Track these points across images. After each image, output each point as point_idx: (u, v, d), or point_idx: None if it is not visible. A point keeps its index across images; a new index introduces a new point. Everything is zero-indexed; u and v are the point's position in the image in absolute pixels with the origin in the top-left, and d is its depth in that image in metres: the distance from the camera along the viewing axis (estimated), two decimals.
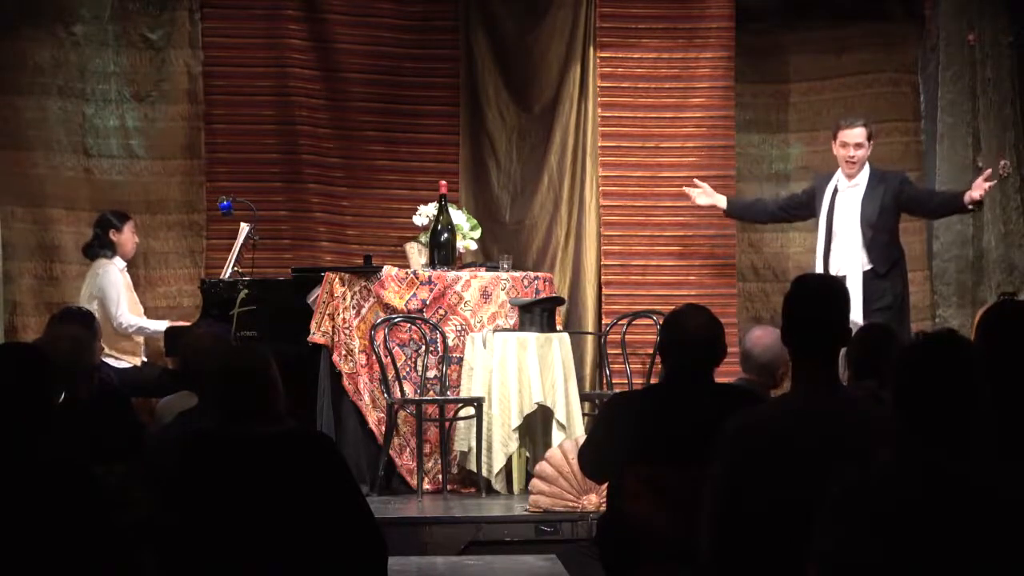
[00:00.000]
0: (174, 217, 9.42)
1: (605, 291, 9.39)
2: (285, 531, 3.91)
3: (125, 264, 8.76)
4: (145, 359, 8.66)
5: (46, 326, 6.85)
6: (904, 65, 9.70)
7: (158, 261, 9.35)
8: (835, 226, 8.22)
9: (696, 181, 8.84)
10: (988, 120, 9.41)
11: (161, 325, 8.62)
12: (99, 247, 8.70)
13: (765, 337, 5.65)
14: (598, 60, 9.47)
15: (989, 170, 8.39)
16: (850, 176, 8.25)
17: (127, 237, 8.75)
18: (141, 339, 8.69)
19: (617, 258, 9.39)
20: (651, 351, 8.63)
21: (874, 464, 3.11)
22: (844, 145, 8.24)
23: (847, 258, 8.16)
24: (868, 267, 8.14)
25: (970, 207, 8.28)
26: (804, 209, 8.58)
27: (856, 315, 7.71)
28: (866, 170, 8.28)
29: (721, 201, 8.80)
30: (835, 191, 8.28)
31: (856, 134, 8.23)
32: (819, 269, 8.18)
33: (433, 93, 9.55)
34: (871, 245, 8.15)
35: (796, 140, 9.80)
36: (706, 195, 8.80)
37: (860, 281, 8.06)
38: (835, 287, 3.89)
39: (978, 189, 8.17)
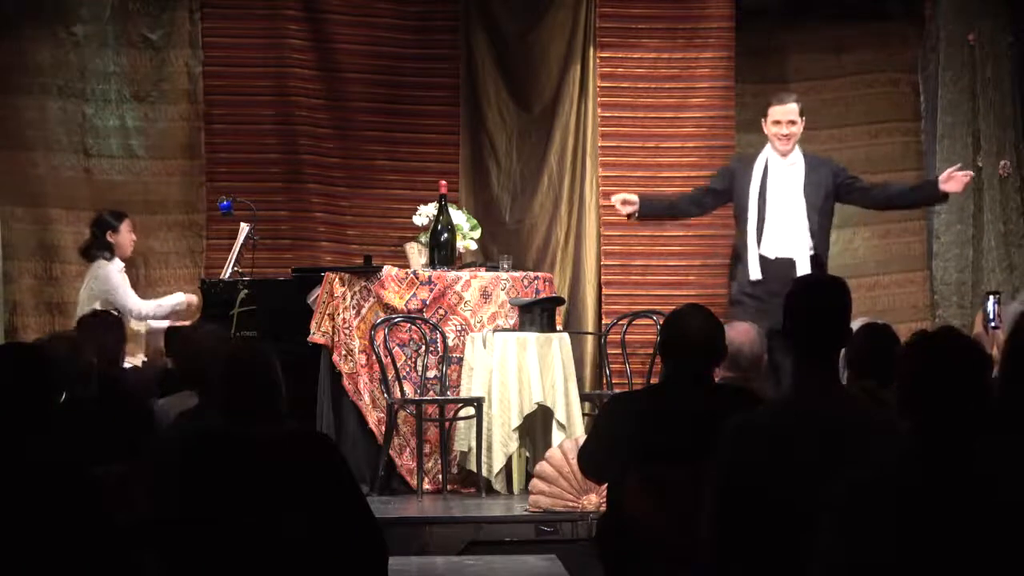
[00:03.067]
0: (174, 217, 9.42)
1: (605, 291, 9.39)
2: (286, 531, 3.90)
3: (123, 265, 8.76)
4: (145, 359, 8.65)
5: (77, 327, 6.85)
6: (904, 65, 9.71)
7: (158, 261, 9.35)
8: (769, 206, 7.93)
9: (612, 198, 8.46)
10: (988, 120, 9.41)
11: (176, 297, 8.65)
12: (97, 248, 8.70)
13: (745, 333, 5.66)
14: (598, 60, 9.48)
15: (959, 165, 8.19)
16: (784, 153, 7.98)
17: (124, 237, 8.75)
18: (142, 330, 8.68)
19: (617, 258, 9.39)
20: (651, 351, 8.63)
21: (875, 463, 3.11)
22: (777, 122, 7.99)
23: (791, 242, 7.89)
24: (811, 253, 7.88)
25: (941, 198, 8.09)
26: (719, 197, 8.24)
27: None
28: (798, 151, 8.04)
29: (635, 206, 8.31)
30: (765, 169, 8.00)
31: (790, 110, 8.02)
32: (752, 251, 7.90)
33: (433, 93, 9.55)
34: (816, 230, 7.91)
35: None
36: (627, 204, 8.31)
37: (809, 268, 7.82)
38: (836, 287, 3.89)
39: (958, 184, 7.94)
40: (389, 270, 8.19)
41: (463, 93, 9.60)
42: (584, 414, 8.27)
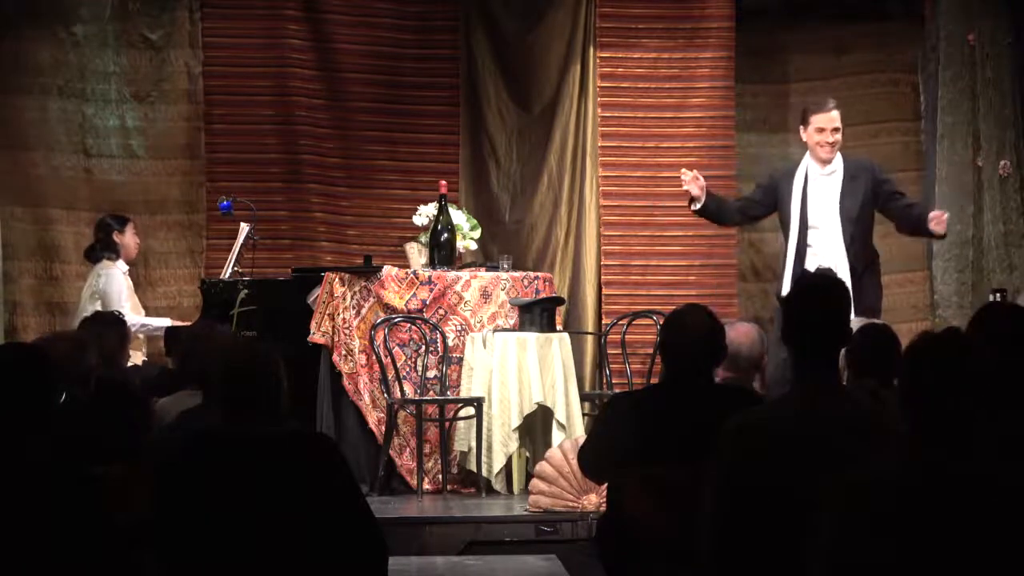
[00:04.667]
0: (174, 217, 9.42)
1: (605, 291, 9.39)
2: (286, 531, 3.90)
3: (128, 267, 8.76)
4: (145, 359, 8.65)
5: (80, 327, 6.85)
6: (904, 65, 9.71)
7: (158, 261, 9.35)
8: (810, 219, 7.69)
9: (696, 174, 8.04)
10: (988, 120, 9.41)
11: (163, 321, 8.64)
12: (102, 250, 8.69)
13: (746, 333, 5.66)
14: (598, 60, 9.48)
15: (936, 213, 7.85)
16: (825, 162, 7.72)
17: (129, 239, 8.75)
18: (142, 338, 8.69)
19: (617, 258, 9.39)
20: (651, 351, 8.63)
21: (874, 463, 3.11)
22: (821, 130, 7.69)
23: (829, 255, 7.65)
24: (849, 266, 7.64)
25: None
26: (761, 208, 8.02)
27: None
28: (839, 158, 7.78)
29: (703, 195, 8.02)
30: (806, 180, 7.75)
31: (834, 117, 7.75)
32: (791, 267, 7.69)
33: (433, 93, 9.55)
34: (851, 242, 7.66)
35: (796, 140, 9.76)
36: (697, 186, 7.99)
37: (848, 281, 7.46)
38: (836, 287, 3.89)
39: (940, 225, 7.72)
40: (389, 270, 8.18)
41: (463, 93, 9.61)
42: (584, 414, 8.27)
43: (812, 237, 7.69)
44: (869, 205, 7.76)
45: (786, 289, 7.70)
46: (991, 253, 9.38)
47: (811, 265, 7.62)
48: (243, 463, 3.96)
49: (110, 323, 6.75)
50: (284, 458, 3.97)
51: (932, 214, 7.77)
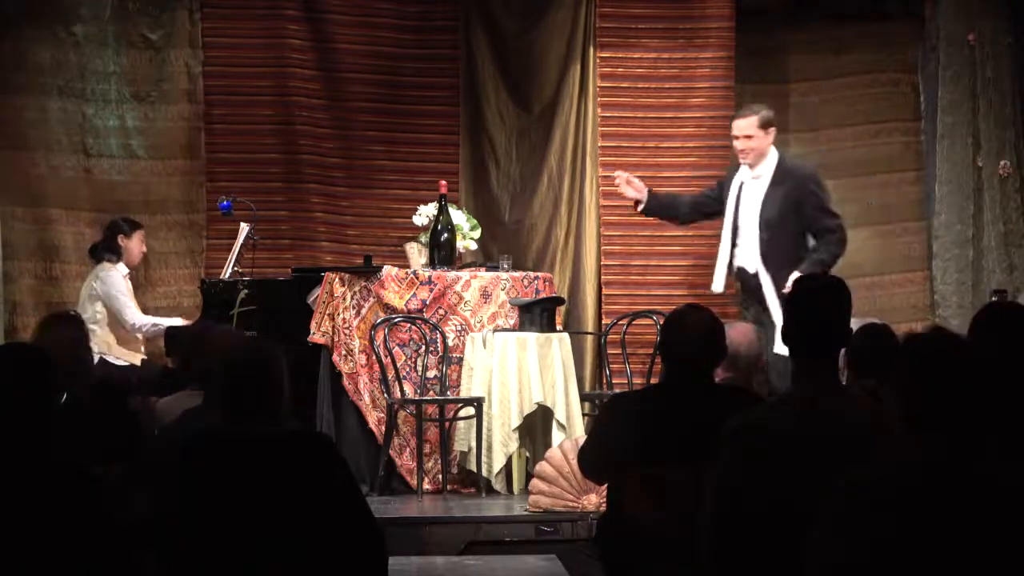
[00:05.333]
0: (174, 217, 9.42)
1: (605, 291, 9.39)
2: (286, 531, 3.90)
3: (128, 271, 8.75)
4: (145, 358, 8.65)
5: (35, 330, 6.80)
6: (904, 65, 9.70)
7: (158, 261, 9.34)
8: (739, 220, 7.88)
9: (629, 176, 8.29)
10: (988, 120, 9.41)
11: (176, 321, 8.64)
12: (105, 250, 8.69)
13: (745, 334, 5.67)
14: (598, 60, 9.47)
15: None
16: (749, 166, 7.88)
17: (135, 245, 8.74)
18: (141, 337, 8.69)
19: (617, 258, 9.39)
20: (651, 351, 8.62)
21: (874, 463, 3.11)
22: (735, 137, 7.92)
23: (749, 259, 7.83)
24: (762, 269, 7.74)
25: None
26: (714, 204, 8.14)
27: (775, 315, 7.56)
28: (772, 162, 7.87)
29: (643, 195, 8.25)
30: (741, 184, 7.95)
31: (742, 125, 7.91)
32: (721, 268, 7.88)
33: (433, 93, 9.55)
34: (766, 248, 7.75)
35: (796, 140, 9.79)
36: (631, 187, 8.24)
37: (771, 286, 7.70)
38: (836, 287, 3.89)
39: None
40: (389, 270, 8.18)
41: (463, 93, 9.60)
42: (584, 414, 8.27)
43: (739, 238, 7.87)
44: (792, 214, 7.78)
45: (717, 285, 7.80)
46: (991, 253, 9.38)
47: (737, 260, 7.80)
48: (243, 463, 3.96)
49: (67, 321, 6.67)
50: (284, 458, 3.97)
51: (793, 278, 7.43)
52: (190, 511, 3.94)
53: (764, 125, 7.93)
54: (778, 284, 7.64)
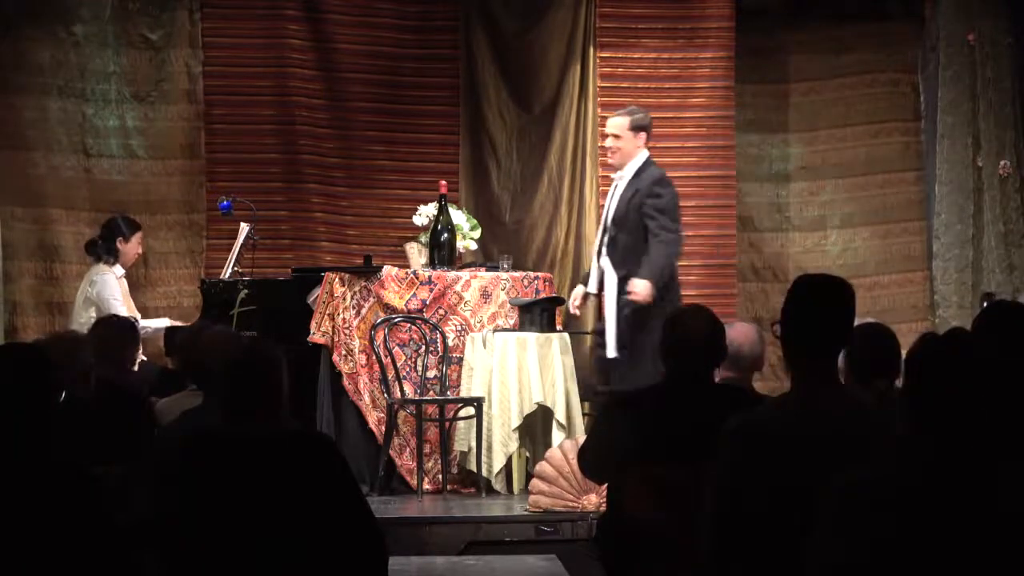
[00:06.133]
0: (174, 217, 9.42)
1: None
2: (286, 532, 3.90)
3: (123, 272, 8.75)
4: (144, 359, 8.65)
5: (91, 330, 6.83)
6: (904, 65, 9.71)
7: (158, 261, 9.35)
8: (606, 220, 7.79)
9: (575, 304, 7.99)
10: (988, 120, 9.42)
11: (161, 323, 8.63)
12: (102, 250, 8.69)
13: (746, 333, 5.66)
14: (598, 60, 9.48)
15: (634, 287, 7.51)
16: (615, 167, 7.79)
17: (132, 247, 8.74)
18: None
19: None
20: None
21: (874, 463, 3.11)
22: (604, 136, 7.82)
23: (605, 257, 7.73)
24: (611, 266, 7.63)
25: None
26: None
27: (610, 315, 7.52)
28: (634, 166, 7.70)
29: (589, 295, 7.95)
30: (615, 185, 7.82)
31: (611, 124, 7.78)
32: (593, 263, 7.78)
33: (433, 93, 9.55)
34: (611, 246, 7.65)
35: (796, 140, 9.81)
36: (576, 305, 8.04)
37: (615, 281, 7.59)
38: (836, 287, 3.88)
39: (633, 296, 7.45)
40: (389, 270, 8.18)
41: (463, 93, 9.61)
42: (584, 414, 8.26)
43: (603, 237, 7.75)
44: (634, 213, 7.63)
45: (591, 284, 7.69)
46: (991, 253, 9.39)
47: (603, 264, 7.65)
48: (243, 464, 3.96)
49: (120, 327, 6.73)
50: (284, 459, 3.97)
51: (633, 283, 7.45)
52: (190, 512, 3.94)
53: (635, 128, 7.74)
54: (620, 287, 7.55)
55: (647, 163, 7.78)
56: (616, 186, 7.81)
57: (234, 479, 3.93)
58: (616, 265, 7.67)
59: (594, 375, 8.01)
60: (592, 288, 7.83)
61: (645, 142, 7.79)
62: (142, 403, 6.21)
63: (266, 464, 3.95)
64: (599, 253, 7.80)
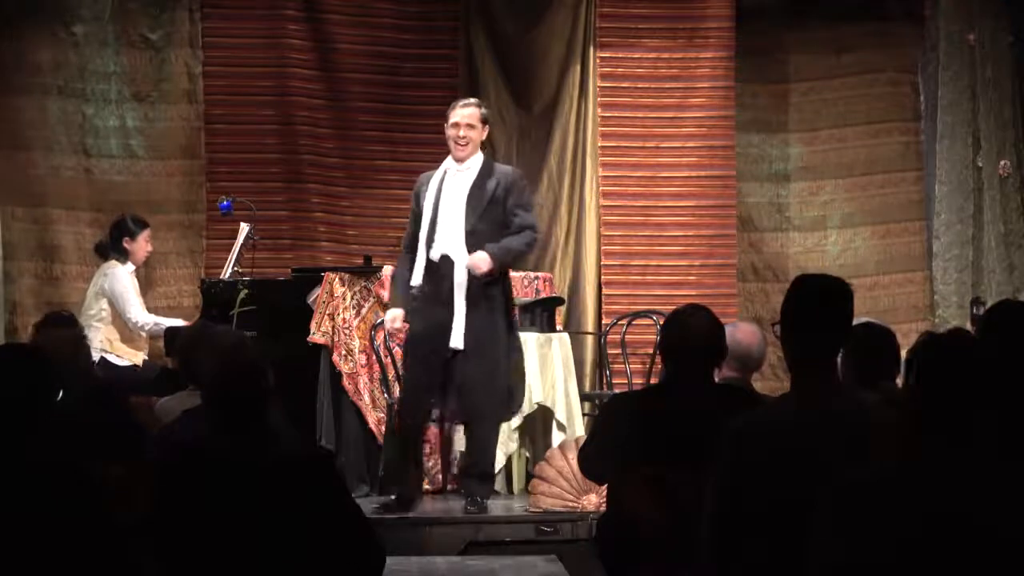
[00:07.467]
0: (174, 217, 9.41)
1: (605, 291, 9.39)
2: (284, 540, 3.90)
3: (134, 268, 8.75)
4: (145, 358, 8.66)
5: (32, 332, 6.78)
6: (904, 65, 9.71)
7: (158, 261, 9.34)
8: (440, 210, 7.44)
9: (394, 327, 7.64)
10: (988, 120, 9.42)
11: (176, 322, 8.63)
12: (111, 250, 8.69)
13: (753, 333, 5.66)
14: (598, 60, 9.48)
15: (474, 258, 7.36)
16: (460, 160, 7.50)
17: (140, 245, 8.73)
18: (144, 336, 8.68)
19: (617, 258, 9.39)
20: (651, 351, 8.63)
21: (873, 464, 3.11)
22: (455, 125, 7.48)
23: (451, 242, 7.39)
24: (468, 251, 7.34)
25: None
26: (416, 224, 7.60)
27: (459, 304, 7.29)
28: (479, 159, 7.52)
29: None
30: (443, 177, 7.53)
31: (469, 113, 7.51)
32: (421, 254, 7.41)
33: (433, 93, 9.54)
34: (471, 232, 7.36)
35: (796, 140, 9.80)
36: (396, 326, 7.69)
37: (464, 269, 7.33)
38: (836, 287, 3.88)
39: (473, 267, 7.29)
40: (389, 270, 8.18)
41: (463, 93, 9.58)
42: (584, 414, 8.27)
43: (439, 227, 7.43)
44: (498, 205, 7.44)
45: (415, 279, 7.52)
46: (991, 253, 9.39)
47: (435, 255, 7.37)
48: (240, 482, 3.94)
49: (64, 325, 6.65)
50: (281, 482, 3.94)
51: (473, 258, 7.31)
52: (190, 512, 3.94)
53: (484, 121, 7.59)
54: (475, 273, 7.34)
55: (488, 157, 7.63)
56: (444, 178, 7.54)
57: (231, 495, 3.90)
58: (475, 246, 7.36)
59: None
60: (417, 281, 7.44)
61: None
62: (119, 399, 6.18)
63: (262, 487, 3.92)
64: (428, 245, 7.43)
